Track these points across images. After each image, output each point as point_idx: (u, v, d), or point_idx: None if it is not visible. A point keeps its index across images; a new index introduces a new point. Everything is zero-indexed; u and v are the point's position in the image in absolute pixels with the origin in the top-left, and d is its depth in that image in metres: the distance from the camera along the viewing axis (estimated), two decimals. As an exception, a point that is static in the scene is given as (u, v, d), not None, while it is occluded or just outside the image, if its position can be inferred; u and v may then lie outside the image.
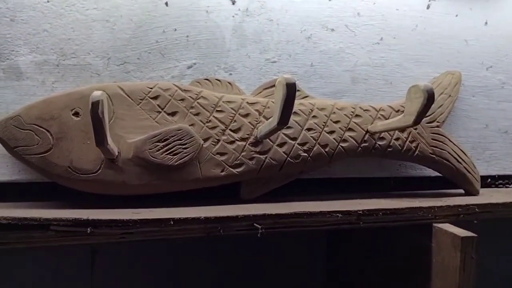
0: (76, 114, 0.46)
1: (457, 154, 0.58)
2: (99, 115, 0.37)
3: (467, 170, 0.59)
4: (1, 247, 0.38)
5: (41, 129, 0.44)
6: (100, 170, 0.45)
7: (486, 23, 0.66)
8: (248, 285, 0.76)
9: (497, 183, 0.67)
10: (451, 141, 0.58)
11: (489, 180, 0.67)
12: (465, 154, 0.59)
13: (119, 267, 0.71)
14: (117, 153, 0.45)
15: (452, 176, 0.59)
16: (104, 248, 0.69)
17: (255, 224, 0.44)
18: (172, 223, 0.41)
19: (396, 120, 0.49)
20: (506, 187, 0.68)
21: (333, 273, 0.76)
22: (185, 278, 0.73)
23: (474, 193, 0.59)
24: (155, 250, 0.72)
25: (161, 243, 0.68)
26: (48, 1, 0.49)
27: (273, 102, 0.52)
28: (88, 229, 0.40)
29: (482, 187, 0.62)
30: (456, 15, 0.65)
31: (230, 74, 0.55)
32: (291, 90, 0.40)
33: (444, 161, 0.57)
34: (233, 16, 0.55)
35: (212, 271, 0.74)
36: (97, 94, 0.37)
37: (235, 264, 0.75)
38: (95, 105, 0.36)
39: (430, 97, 0.43)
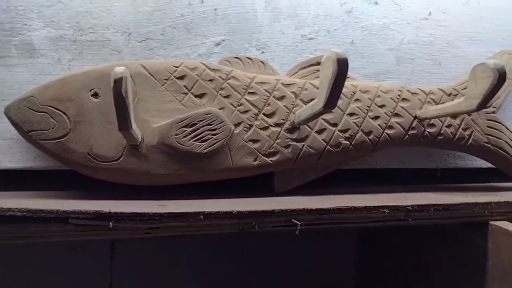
0: (95, 95, 0.41)
1: (514, 144, 0.52)
2: (122, 94, 0.32)
3: (525, 162, 0.53)
4: (16, 242, 0.35)
5: (57, 111, 0.40)
6: (122, 158, 0.41)
7: (548, -4, 0.59)
8: (274, 280, 0.72)
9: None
10: (508, 129, 0.52)
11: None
12: (523, 144, 0.53)
13: (139, 258, 0.68)
14: (140, 139, 0.40)
15: (507, 168, 0.53)
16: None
17: (293, 220, 0.39)
18: (202, 217, 0.37)
19: (455, 104, 0.43)
20: None
21: (364, 274, 0.71)
22: (207, 270, 0.70)
23: (532, 187, 0.53)
24: (178, 240, 0.69)
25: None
26: (63, -31, 0.44)
27: (311, 83, 0.47)
28: (110, 223, 0.35)
29: (538, 180, 0.56)
30: (514, -13, 0.58)
31: (262, 52, 0.50)
32: (342, 67, 0.34)
33: (500, 151, 0.51)
34: (267, -13, 0.50)
35: (235, 263, 0.71)
36: (119, 70, 0.32)
37: (261, 257, 0.71)
38: (118, 82, 0.32)
39: (501, 78, 0.37)
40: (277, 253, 0.71)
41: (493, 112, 0.52)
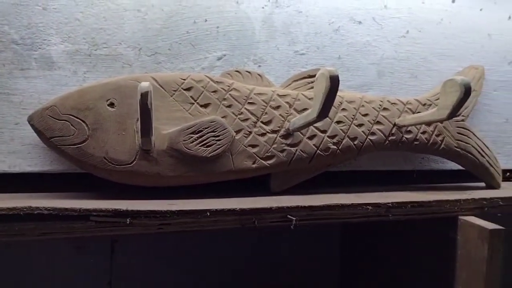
0: (111, 104, 0.45)
1: (480, 148, 0.59)
2: (147, 106, 0.37)
3: (490, 164, 0.59)
4: (44, 237, 0.38)
5: (77, 119, 0.44)
6: (135, 161, 0.45)
7: (509, 17, 0.66)
8: (262, 276, 0.77)
9: (516, 177, 0.68)
10: (475, 135, 0.59)
11: (508, 174, 0.68)
12: (488, 148, 0.60)
13: (138, 256, 0.72)
14: (153, 144, 0.45)
15: (475, 170, 0.59)
16: (123, 237, 0.69)
17: (288, 216, 0.45)
18: (208, 214, 0.42)
19: (429, 114, 0.50)
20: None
21: (347, 266, 0.77)
22: (204, 269, 0.74)
23: (496, 186, 0.60)
24: (174, 240, 0.73)
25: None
26: (79, -10, 0.48)
27: (303, 94, 0.52)
28: (127, 219, 0.40)
29: (502, 181, 0.62)
30: (481, 9, 0.65)
31: (259, 66, 0.55)
32: (334, 83, 0.40)
33: (468, 154, 0.58)
34: (263, 7, 0.55)
35: (226, 261, 0.75)
36: (145, 85, 0.37)
37: (251, 255, 0.76)
38: (144, 96, 0.36)
39: (467, 91, 0.44)
40: (268, 246, 0.75)
41: (462, 120, 0.59)
